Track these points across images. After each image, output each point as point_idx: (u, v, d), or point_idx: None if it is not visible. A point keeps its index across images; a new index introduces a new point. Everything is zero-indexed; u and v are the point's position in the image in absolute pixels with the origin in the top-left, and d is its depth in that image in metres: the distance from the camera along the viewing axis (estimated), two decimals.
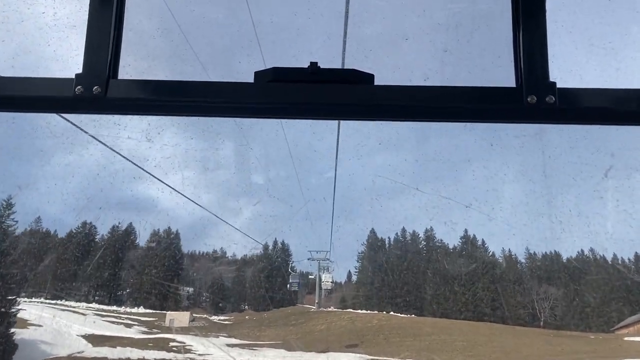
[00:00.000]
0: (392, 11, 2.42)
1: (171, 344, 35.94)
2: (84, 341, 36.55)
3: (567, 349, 36.64)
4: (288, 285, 62.19)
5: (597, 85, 1.89)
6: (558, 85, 1.84)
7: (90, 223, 59.21)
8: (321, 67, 1.90)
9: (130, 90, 1.93)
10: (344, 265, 70.40)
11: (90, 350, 33.42)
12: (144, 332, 42.78)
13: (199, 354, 33.69)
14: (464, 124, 2.07)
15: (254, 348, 37.17)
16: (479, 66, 2.05)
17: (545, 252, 54.83)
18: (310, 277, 65.40)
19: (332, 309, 60.19)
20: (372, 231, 66.03)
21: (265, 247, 66.40)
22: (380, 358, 34.42)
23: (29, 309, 40.82)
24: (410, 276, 60.71)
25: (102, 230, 60.28)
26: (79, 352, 32.49)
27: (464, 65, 2.12)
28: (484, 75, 2.00)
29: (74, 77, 1.91)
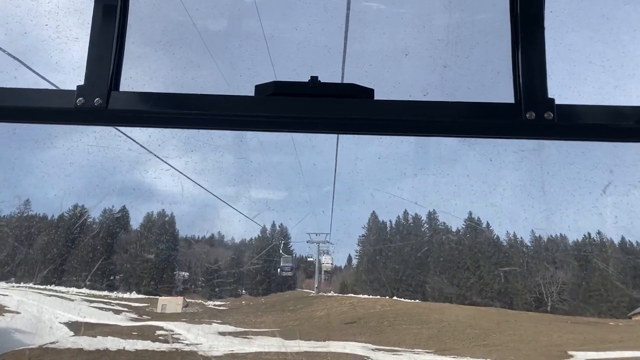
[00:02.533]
0: (392, 27, 2.44)
1: (157, 332, 33.79)
2: (65, 329, 34.24)
3: (591, 337, 33.90)
4: (279, 270, 56.24)
5: (595, 102, 1.91)
6: (557, 102, 1.87)
7: (83, 206, 57.84)
8: (321, 81, 1.91)
9: (131, 103, 1.95)
10: (345, 249, 68.54)
11: (67, 339, 31.11)
12: (132, 319, 41.09)
13: (187, 344, 31.64)
14: (463, 139, 2.07)
15: (248, 336, 34.98)
16: (478, 82, 2.07)
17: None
18: (309, 259, 62.32)
19: (332, 293, 57.59)
20: (374, 214, 63.68)
21: (264, 230, 61.29)
22: (386, 347, 32.11)
23: (11, 294, 39.61)
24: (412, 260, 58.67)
25: (94, 214, 58.90)
26: (52, 342, 30.17)
27: (464, 80, 2.14)
28: (483, 91, 2.03)
29: (75, 88, 1.91)
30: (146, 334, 32.77)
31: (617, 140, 2.04)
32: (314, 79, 1.98)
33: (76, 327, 34.17)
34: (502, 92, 1.97)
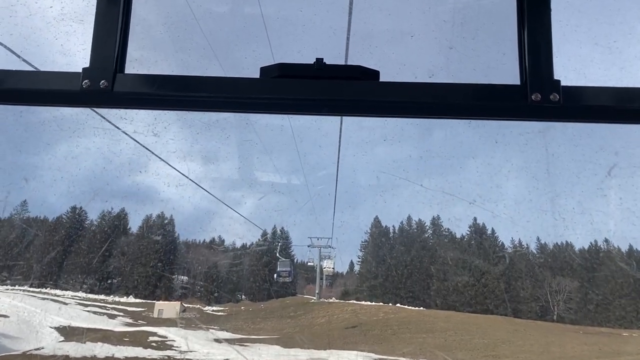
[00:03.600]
0: (398, 8, 2.43)
1: (150, 338, 32.25)
2: (55, 334, 32.83)
3: (606, 349, 32.04)
4: (275, 276, 52.22)
5: (601, 84, 1.91)
6: (562, 83, 1.87)
7: (81, 207, 57.64)
8: (327, 63, 1.91)
9: (136, 85, 1.96)
10: (347, 255, 67.93)
11: (54, 345, 29.50)
12: (126, 324, 39.79)
13: (180, 351, 29.83)
14: (469, 120, 2.07)
15: (245, 344, 33.36)
16: (484, 63, 2.07)
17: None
18: (309, 264, 61.23)
19: (333, 299, 57.09)
20: (377, 219, 63.07)
21: (264, 234, 60.94)
22: (390, 357, 30.14)
23: (2, 297, 38.48)
24: (415, 266, 57.48)
25: (93, 216, 58.87)
26: (37, 349, 28.49)
27: (469, 62, 2.15)
28: (489, 72, 2.03)
29: (81, 71, 1.92)
30: (138, 340, 31.56)
31: (622, 122, 2.05)
32: (319, 60, 1.99)
33: (66, 332, 33.19)
34: (508, 73, 1.98)
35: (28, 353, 27.46)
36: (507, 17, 2.03)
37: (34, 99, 2.11)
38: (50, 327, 33.94)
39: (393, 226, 63.89)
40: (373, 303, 53.29)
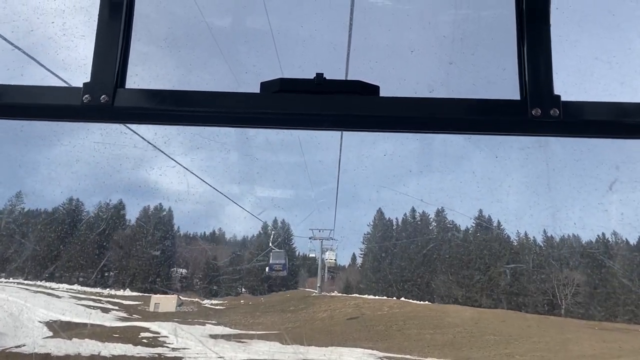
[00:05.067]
0: (397, 23, 2.44)
1: (142, 334, 30.14)
2: (44, 329, 30.92)
3: (627, 346, 30.02)
4: (267, 269, 46.98)
5: (601, 99, 1.92)
6: (563, 98, 1.89)
7: (78, 199, 56.83)
8: (327, 78, 1.92)
9: (137, 100, 1.98)
10: (349, 247, 66.77)
11: (36, 342, 27.52)
12: (120, 319, 37.78)
13: (172, 348, 27.90)
14: (469, 135, 2.07)
15: (243, 340, 31.38)
16: (484, 78, 2.08)
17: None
18: (311, 255, 59.63)
19: (335, 293, 55.38)
20: (379, 211, 61.68)
21: (265, 226, 58.59)
22: (396, 355, 28.52)
23: None
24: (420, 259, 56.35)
25: (89, 208, 58.25)
26: (17, 346, 26.69)
27: (469, 77, 2.16)
28: (489, 87, 2.04)
29: (82, 86, 1.93)
30: (129, 336, 29.73)
31: (623, 137, 2.05)
32: (319, 75, 2.00)
33: (55, 328, 31.41)
34: (508, 88, 1.99)
35: (7, 350, 25.92)
36: (507, 32, 2.04)
37: (35, 113, 2.12)
38: (39, 322, 32.34)
39: (396, 219, 62.45)
40: (376, 297, 51.68)
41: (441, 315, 39.67)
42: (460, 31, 2.36)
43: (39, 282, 48.55)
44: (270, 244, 48.92)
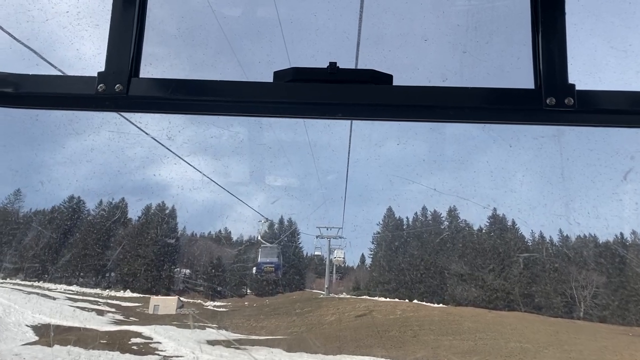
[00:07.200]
0: (411, 12, 2.44)
1: (133, 340, 27.92)
2: (30, 333, 28.99)
3: None
4: (254, 270, 40.09)
5: (616, 88, 1.91)
6: (577, 87, 1.88)
7: (80, 198, 56.81)
8: (340, 67, 1.92)
9: (151, 89, 2.00)
10: (359, 247, 65.87)
11: (13, 350, 25.12)
12: (115, 322, 35.94)
13: (165, 356, 25.51)
14: (483, 124, 2.07)
15: (243, 346, 29.13)
16: (498, 67, 2.09)
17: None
18: (316, 253, 57.33)
19: (344, 295, 53.64)
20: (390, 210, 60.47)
21: (271, 225, 56.60)
22: None
23: None
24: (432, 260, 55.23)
25: (91, 206, 58.41)
26: None
27: (483, 66, 2.16)
28: (503, 76, 2.04)
29: (96, 75, 1.94)
30: (118, 342, 27.32)
31: (638, 126, 2.03)
32: (332, 64, 2.01)
33: (42, 332, 29.35)
34: (522, 77, 1.99)
35: None
36: (521, 21, 2.04)
37: (50, 103, 2.16)
38: (27, 326, 30.41)
39: (407, 217, 61.18)
40: (387, 299, 49.63)
41: (459, 320, 37.24)
42: (475, 20, 2.35)
43: (36, 283, 47.89)
44: (259, 237, 42.10)
